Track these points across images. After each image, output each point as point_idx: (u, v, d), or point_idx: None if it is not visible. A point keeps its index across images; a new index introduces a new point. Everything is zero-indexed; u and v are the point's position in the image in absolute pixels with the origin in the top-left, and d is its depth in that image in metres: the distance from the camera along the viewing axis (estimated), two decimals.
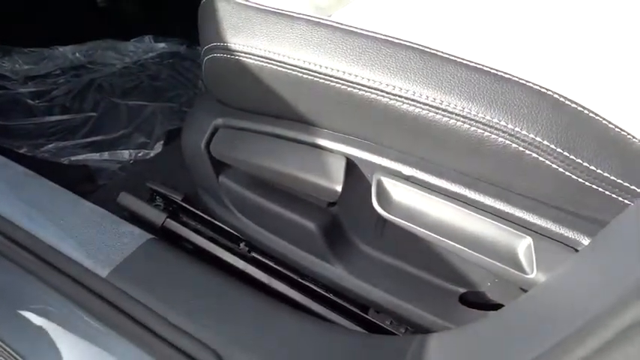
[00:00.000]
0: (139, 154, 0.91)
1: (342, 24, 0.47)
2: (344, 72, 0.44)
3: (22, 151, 0.92)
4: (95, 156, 0.91)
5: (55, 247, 0.61)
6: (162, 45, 1.17)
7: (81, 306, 0.56)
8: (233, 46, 0.50)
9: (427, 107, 0.41)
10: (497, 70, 0.42)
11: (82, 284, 0.57)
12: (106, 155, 0.91)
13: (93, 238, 0.60)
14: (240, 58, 0.49)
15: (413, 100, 0.41)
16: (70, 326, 0.57)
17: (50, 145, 0.93)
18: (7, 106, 1.01)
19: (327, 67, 0.45)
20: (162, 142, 0.93)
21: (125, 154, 0.91)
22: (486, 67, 0.42)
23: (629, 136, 0.40)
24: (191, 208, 0.69)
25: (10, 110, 1.00)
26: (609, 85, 0.43)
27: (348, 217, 0.54)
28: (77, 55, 1.12)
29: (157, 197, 0.73)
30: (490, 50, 0.45)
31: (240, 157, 0.54)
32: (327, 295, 0.58)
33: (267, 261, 0.62)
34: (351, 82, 0.44)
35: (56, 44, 1.11)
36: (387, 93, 0.42)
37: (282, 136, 0.52)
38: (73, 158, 0.90)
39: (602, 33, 0.47)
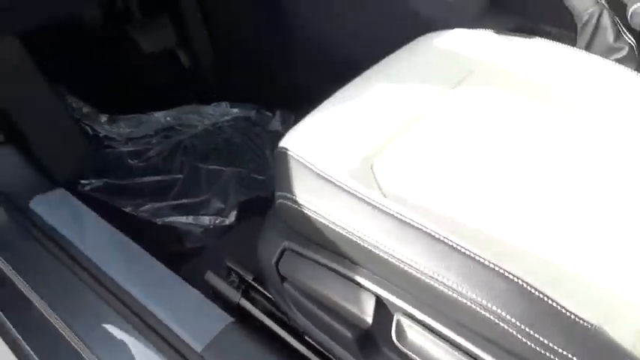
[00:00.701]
0: (217, 221, 1.12)
1: (377, 202, 0.64)
2: (377, 241, 0.62)
3: (126, 209, 1.14)
4: (182, 219, 1.13)
5: (158, 317, 0.84)
6: (235, 110, 1.37)
7: None
8: (297, 199, 0.68)
9: (434, 280, 0.58)
10: (483, 259, 0.58)
11: (181, 353, 0.79)
12: (190, 219, 1.13)
13: (188, 317, 0.82)
14: (302, 209, 0.68)
15: (426, 274, 0.59)
16: None
17: (147, 206, 1.15)
18: (114, 164, 1.25)
19: (365, 236, 0.63)
20: (235, 212, 1.13)
21: (205, 220, 1.12)
22: (478, 255, 0.59)
23: (574, 317, 0.55)
24: (260, 288, 0.90)
25: (116, 169, 1.24)
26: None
27: (377, 333, 0.73)
28: (168, 118, 1.34)
29: (233, 274, 0.94)
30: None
31: (299, 278, 0.74)
32: None
33: (316, 345, 0.82)
34: (382, 250, 0.62)
35: (151, 109, 1.33)
36: (408, 264, 0.60)
37: (332, 268, 0.71)
38: (166, 220, 1.12)
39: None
